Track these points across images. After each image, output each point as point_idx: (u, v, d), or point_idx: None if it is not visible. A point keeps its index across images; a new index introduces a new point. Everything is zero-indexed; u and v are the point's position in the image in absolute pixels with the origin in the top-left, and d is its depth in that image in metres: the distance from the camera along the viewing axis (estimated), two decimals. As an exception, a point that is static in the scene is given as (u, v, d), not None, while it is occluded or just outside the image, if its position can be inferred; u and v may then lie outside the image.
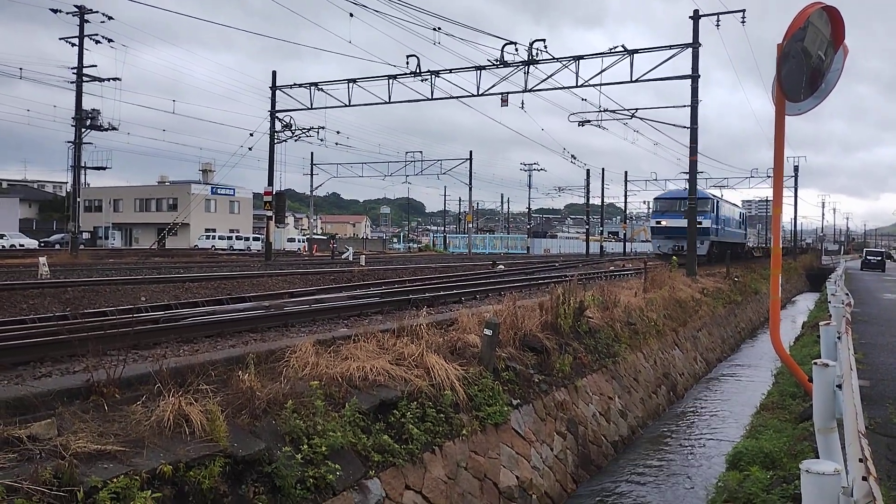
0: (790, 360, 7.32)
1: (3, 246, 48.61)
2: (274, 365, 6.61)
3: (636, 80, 24.84)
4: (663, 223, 33.61)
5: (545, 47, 25.69)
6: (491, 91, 27.16)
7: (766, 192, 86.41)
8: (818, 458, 4.28)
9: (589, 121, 30.75)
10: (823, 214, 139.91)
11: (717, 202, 35.20)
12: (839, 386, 4.26)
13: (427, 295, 13.61)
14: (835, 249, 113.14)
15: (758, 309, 28.41)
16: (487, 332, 8.08)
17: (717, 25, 24.23)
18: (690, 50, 23.86)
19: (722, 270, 28.10)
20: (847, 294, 14.46)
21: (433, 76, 27.68)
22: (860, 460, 2.74)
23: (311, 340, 7.17)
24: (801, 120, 7.44)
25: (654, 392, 12.46)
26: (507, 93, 27.17)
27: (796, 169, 67.36)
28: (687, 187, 32.46)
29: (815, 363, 4.42)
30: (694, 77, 23.88)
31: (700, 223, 29.25)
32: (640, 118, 29.97)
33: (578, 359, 9.94)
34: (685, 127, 25.08)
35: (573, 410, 9.09)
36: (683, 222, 29.13)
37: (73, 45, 34.46)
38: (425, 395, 6.79)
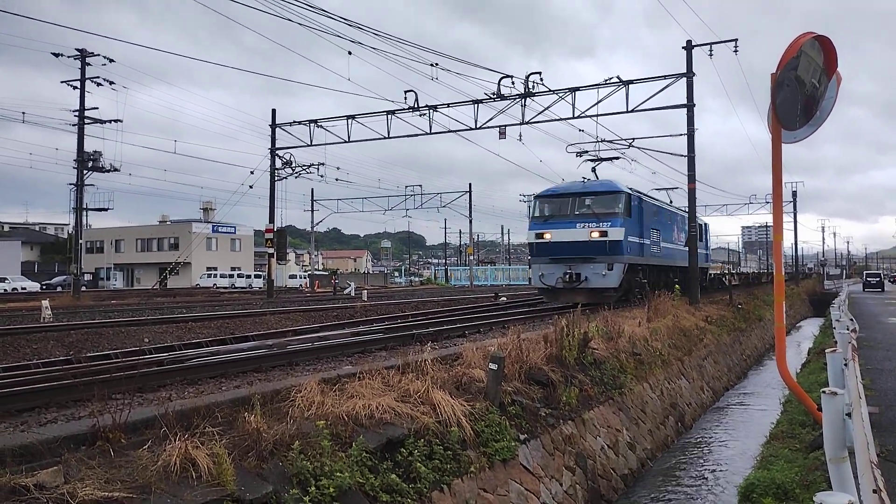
0: (798, 389, 7.28)
1: (6, 289, 48.65)
2: (279, 405, 6.58)
3: (632, 111, 25.12)
4: (548, 236, 20.73)
5: (541, 79, 26.00)
6: (489, 124, 27.44)
7: (766, 217, 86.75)
8: (831, 488, 4.24)
9: (587, 151, 30.97)
10: (824, 239, 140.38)
11: (639, 201, 22.24)
12: (849, 414, 4.24)
13: (431, 330, 13.58)
14: (836, 274, 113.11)
15: (763, 336, 28.28)
16: (493, 366, 8.05)
17: (711, 55, 24.57)
18: (685, 79, 24.16)
19: (725, 298, 28.01)
20: (851, 319, 14.41)
21: (431, 111, 27.98)
22: (874, 491, 2.73)
23: (316, 379, 7.14)
24: (797, 144, 7.52)
25: (662, 423, 12.34)
26: (505, 125, 27.43)
27: (794, 194, 67.75)
28: (586, 179, 22.93)
29: (824, 392, 4.40)
30: (689, 106, 24.13)
31: (604, 234, 19.87)
32: (638, 147, 30.19)
33: (584, 391, 9.88)
34: (682, 155, 25.26)
35: (581, 444, 9.01)
36: (580, 233, 20.15)
37: (75, 87, 34.99)
38: (432, 432, 6.74)
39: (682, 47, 24.50)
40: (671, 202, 29.81)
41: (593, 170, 25.02)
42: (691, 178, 24.57)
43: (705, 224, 34.21)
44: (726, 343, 21.44)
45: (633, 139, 30.09)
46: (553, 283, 20.52)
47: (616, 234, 19.96)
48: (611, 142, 30.36)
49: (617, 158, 27.58)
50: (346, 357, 10.62)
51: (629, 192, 21.48)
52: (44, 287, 54.24)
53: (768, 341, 27.73)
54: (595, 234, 20.01)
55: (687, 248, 27.92)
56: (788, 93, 7.02)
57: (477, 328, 14.66)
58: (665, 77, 24.76)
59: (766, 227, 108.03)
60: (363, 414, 6.48)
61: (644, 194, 23.63)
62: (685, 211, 29.67)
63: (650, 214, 23.40)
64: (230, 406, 6.42)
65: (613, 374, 11.14)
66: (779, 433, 8.68)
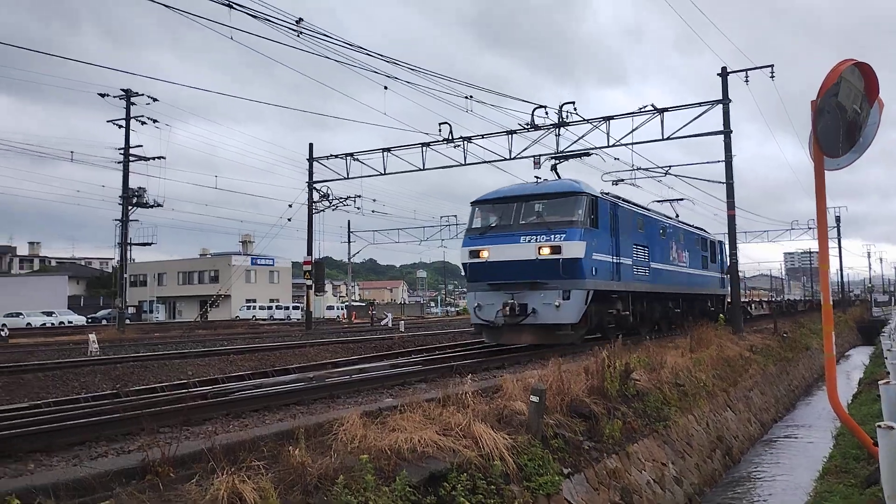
0: (851, 422, 7.06)
1: (53, 323, 49.99)
2: (322, 438, 6.62)
3: (668, 138, 25.01)
4: (485, 255, 15.81)
5: (575, 109, 26.14)
6: (523, 154, 27.57)
7: (809, 243, 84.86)
8: (892, 527, 4.10)
9: (623, 179, 30.88)
10: (870, 264, 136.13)
11: (612, 208, 17.29)
12: (907, 450, 4.12)
13: (469, 361, 13.53)
14: (885, 300, 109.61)
15: (810, 365, 27.49)
16: (534, 398, 7.98)
17: (747, 81, 24.42)
18: (720, 106, 24.01)
19: (769, 326, 27.35)
20: (904, 348, 13.95)
21: (465, 142, 28.26)
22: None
23: (358, 412, 7.16)
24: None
25: (709, 457, 12.03)
26: (539, 155, 27.50)
27: (838, 220, 66.31)
28: (541, 180, 18.24)
29: (879, 426, 4.29)
30: (726, 133, 23.93)
31: (557, 250, 14.86)
32: (674, 175, 30.01)
33: (628, 424, 9.72)
34: (720, 182, 24.99)
35: (626, 478, 8.83)
36: (526, 250, 15.15)
37: (120, 126, 36.29)
38: (475, 465, 6.69)
39: (717, 74, 24.40)
40: (677, 216, 26.90)
41: (553, 168, 19.54)
42: (730, 204, 24.27)
43: (719, 242, 29.67)
44: (773, 373, 20.88)
45: (670, 167, 30.00)
46: (492, 317, 15.43)
47: (573, 249, 14.85)
48: (647, 169, 30.30)
49: (588, 155, 22.75)
50: (386, 389, 10.64)
51: (595, 194, 16.24)
52: (89, 320, 55.62)
53: (816, 371, 26.93)
54: (545, 251, 14.94)
55: (696, 272, 24.64)
56: (830, 120, 6.93)
57: (516, 360, 14.55)
58: (700, 104, 24.66)
59: (810, 253, 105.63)
60: (405, 447, 6.47)
61: (623, 200, 18.81)
62: (697, 228, 26.74)
63: (631, 226, 18.36)
64: (274, 439, 6.48)
65: (657, 406, 10.94)
66: (832, 468, 8.39)
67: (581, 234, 15.14)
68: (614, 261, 16.75)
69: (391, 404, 8.34)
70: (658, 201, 29.47)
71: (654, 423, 10.53)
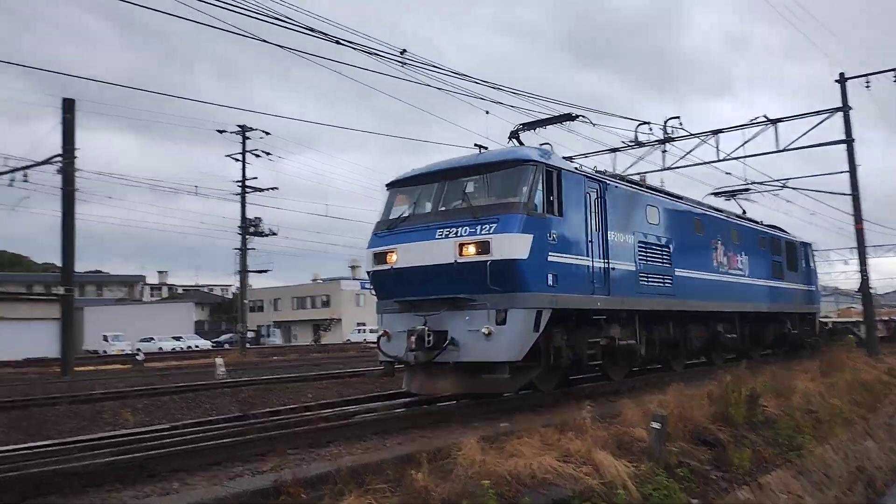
0: None
1: (182, 347, 53.46)
2: (442, 462, 6.70)
3: (783, 150, 23.75)
4: (392, 258, 10.48)
5: (680, 124, 25.32)
6: (627, 172, 26.96)
7: (950, 255, 77.50)
8: None
9: (734, 195, 29.53)
10: None
11: (594, 186, 12.09)
12: None
13: (587, 385, 13.27)
14: None
15: (960, 389, 24.97)
16: (655, 425, 7.73)
17: (868, 86, 22.89)
18: (839, 114, 22.59)
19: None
20: None
21: (568, 161, 27.98)
22: None
23: (476, 437, 7.21)
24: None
25: (850, 489, 11.15)
26: (645, 172, 26.79)
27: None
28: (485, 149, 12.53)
29: None
30: (849, 142, 22.45)
31: (483, 248, 9.65)
32: (792, 188, 28.38)
33: (758, 452, 9.19)
34: (845, 194, 23.39)
35: (759, 511, 8.35)
36: (441, 248, 10.00)
37: (237, 160, 38.79)
38: (597, 494, 6.54)
39: (836, 80, 23.02)
40: (744, 212, 22.00)
41: (514, 135, 13.77)
42: (857, 217, 22.68)
43: (803, 244, 23.92)
44: (916, 398, 19.13)
45: (787, 179, 28.36)
46: (401, 351, 10.28)
47: (509, 246, 9.67)
48: (761, 183, 28.80)
49: (571, 119, 15.18)
50: (500, 413, 10.60)
51: (556, 165, 10.96)
52: (213, 344, 59.05)
53: (967, 396, 24.42)
54: (468, 250, 9.84)
55: (761, 282, 18.79)
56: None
57: (631, 385, 14.13)
58: (818, 113, 23.27)
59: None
60: (525, 473, 6.44)
61: (621, 178, 14.05)
62: (768, 226, 21.61)
63: (635, 216, 12.97)
64: (396, 462, 6.62)
65: (789, 435, 10.28)
66: None
67: (522, 222, 9.86)
68: (597, 265, 11.41)
69: (508, 429, 8.32)
70: (714, 194, 25.07)
71: (786, 453, 9.90)
